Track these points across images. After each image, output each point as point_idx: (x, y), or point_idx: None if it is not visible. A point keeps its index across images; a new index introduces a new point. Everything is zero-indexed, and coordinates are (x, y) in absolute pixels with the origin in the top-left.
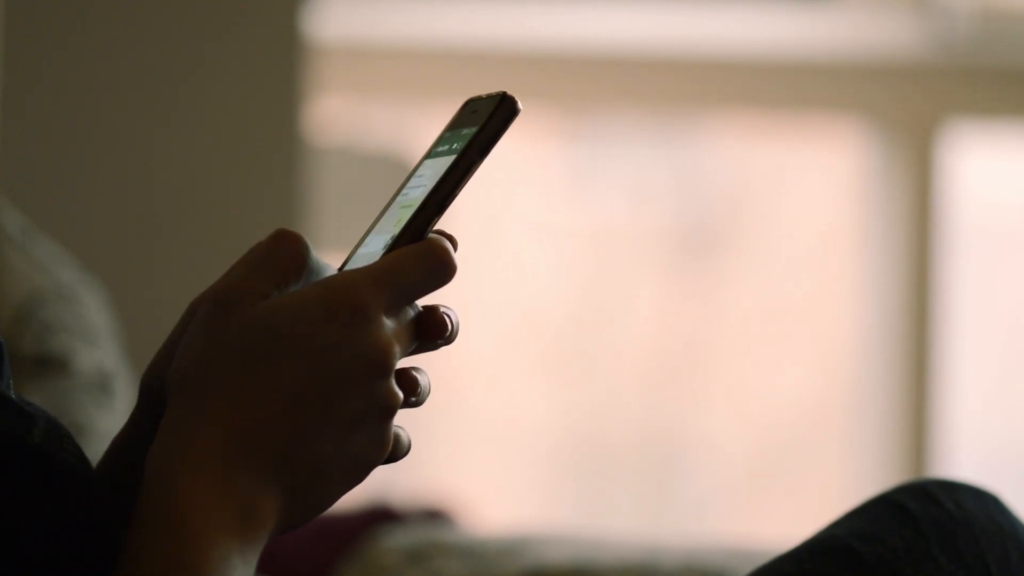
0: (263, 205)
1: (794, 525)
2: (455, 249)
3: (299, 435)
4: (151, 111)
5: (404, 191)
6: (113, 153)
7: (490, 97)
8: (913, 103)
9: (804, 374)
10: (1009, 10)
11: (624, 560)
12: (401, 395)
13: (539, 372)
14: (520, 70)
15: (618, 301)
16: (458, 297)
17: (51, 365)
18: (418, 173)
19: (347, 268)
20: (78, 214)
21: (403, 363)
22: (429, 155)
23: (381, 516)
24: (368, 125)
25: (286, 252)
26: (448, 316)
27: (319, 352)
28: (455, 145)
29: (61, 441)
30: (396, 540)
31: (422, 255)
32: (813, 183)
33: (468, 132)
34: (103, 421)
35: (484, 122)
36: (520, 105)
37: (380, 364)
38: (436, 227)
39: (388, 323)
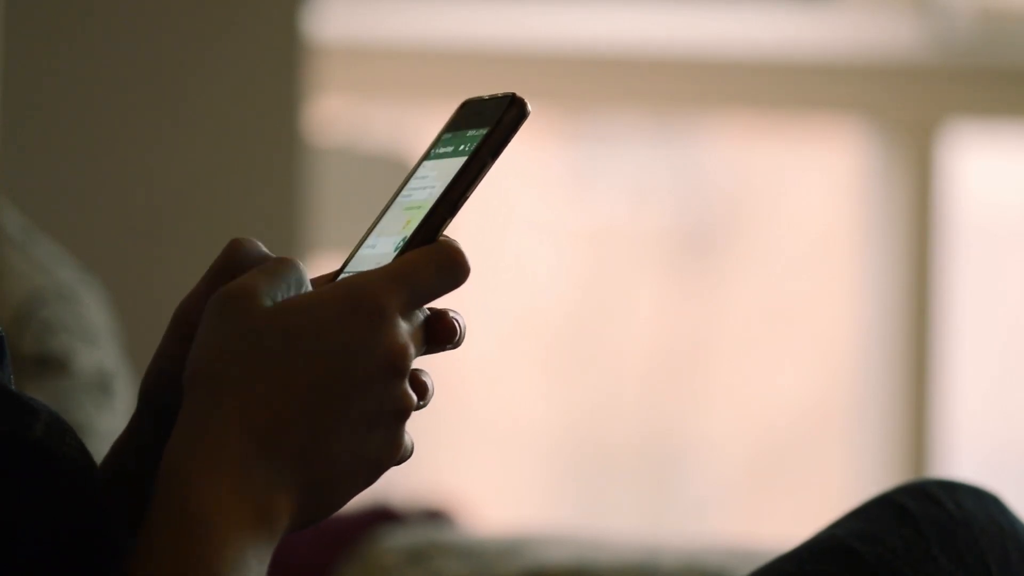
0: (263, 205)
1: (794, 525)
2: None
3: (315, 434)
4: (151, 111)
5: (406, 192)
6: (113, 153)
7: (494, 98)
8: (913, 103)
9: (804, 374)
10: (1009, 10)
11: (624, 560)
12: (415, 398)
13: (539, 372)
14: (520, 70)
15: (618, 301)
16: (458, 297)
17: (51, 365)
18: (420, 175)
19: (351, 269)
20: (78, 214)
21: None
22: (429, 156)
23: (381, 516)
24: (368, 125)
25: (291, 264)
26: (456, 321)
27: (337, 352)
28: (462, 147)
29: (63, 436)
30: (396, 540)
31: (437, 257)
32: (813, 183)
33: (476, 134)
34: (103, 421)
35: (495, 124)
36: (530, 107)
37: (397, 366)
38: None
39: (404, 324)
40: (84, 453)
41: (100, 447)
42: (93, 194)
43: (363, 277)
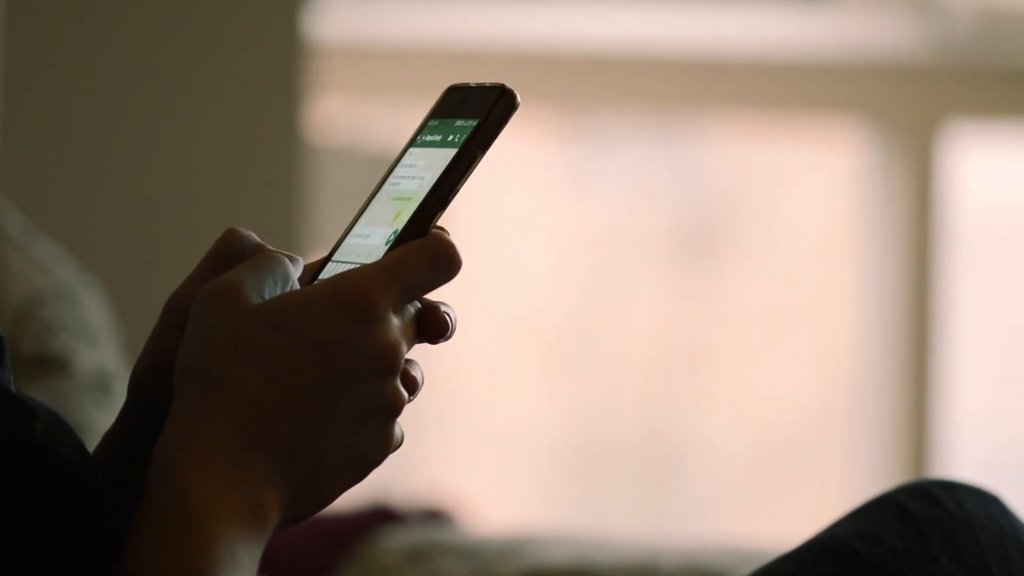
0: (263, 205)
1: (794, 525)
2: None
3: (306, 430)
4: (151, 111)
5: (393, 180)
6: (113, 153)
7: (483, 88)
8: (913, 103)
9: (804, 374)
10: (1009, 10)
11: (624, 560)
12: (406, 395)
13: (539, 372)
14: (520, 70)
15: (618, 301)
16: (458, 297)
17: (51, 365)
18: (406, 162)
19: (338, 259)
20: (78, 214)
21: None
22: (415, 143)
23: (381, 516)
24: (368, 125)
25: (276, 258)
26: (448, 315)
27: (329, 349)
28: (451, 137)
29: (62, 436)
30: (396, 540)
31: (429, 251)
32: (813, 183)
33: (465, 124)
34: (103, 421)
35: (485, 117)
36: (519, 99)
37: (388, 364)
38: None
39: (395, 321)
40: (84, 453)
41: None
42: (93, 194)
43: (355, 274)
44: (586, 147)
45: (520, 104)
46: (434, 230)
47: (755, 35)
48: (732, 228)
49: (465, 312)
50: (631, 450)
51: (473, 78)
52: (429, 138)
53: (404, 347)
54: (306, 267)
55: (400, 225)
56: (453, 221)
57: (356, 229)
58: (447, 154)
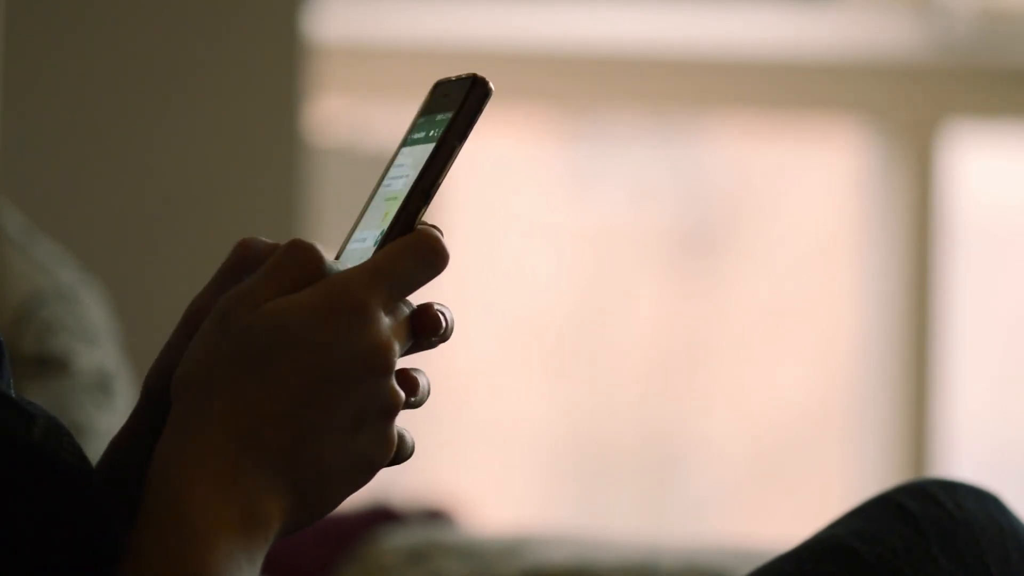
0: (263, 205)
1: (794, 525)
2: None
3: (302, 435)
4: (151, 111)
5: (386, 181)
6: (113, 153)
7: (459, 80)
8: (913, 103)
9: (804, 374)
10: (1009, 10)
11: (624, 560)
12: (403, 394)
13: (539, 372)
14: (520, 70)
15: (618, 301)
16: (458, 297)
17: (51, 365)
18: (398, 162)
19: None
20: (78, 214)
21: (402, 363)
22: (406, 142)
23: (381, 516)
24: (368, 125)
25: (297, 262)
26: (442, 313)
27: (320, 352)
28: (431, 132)
29: (61, 440)
30: (396, 540)
31: (414, 247)
32: (813, 183)
33: (443, 118)
34: (103, 421)
35: (459, 108)
36: (492, 85)
37: (381, 363)
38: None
39: (386, 320)
40: (83, 458)
41: (100, 447)
42: (93, 194)
43: (343, 276)
44: (586, 147)
45: (493, 91)
46: (420, 226)
47: (755, 35)
48: (732, 228)
49: (465, 312)
50: (631, 450)
51: None
52: (416, 136)
53: (397, 346)
54: None
55: (387, 225)
56: (453, 221)
57: (356, 234)
58: (428, 149)
